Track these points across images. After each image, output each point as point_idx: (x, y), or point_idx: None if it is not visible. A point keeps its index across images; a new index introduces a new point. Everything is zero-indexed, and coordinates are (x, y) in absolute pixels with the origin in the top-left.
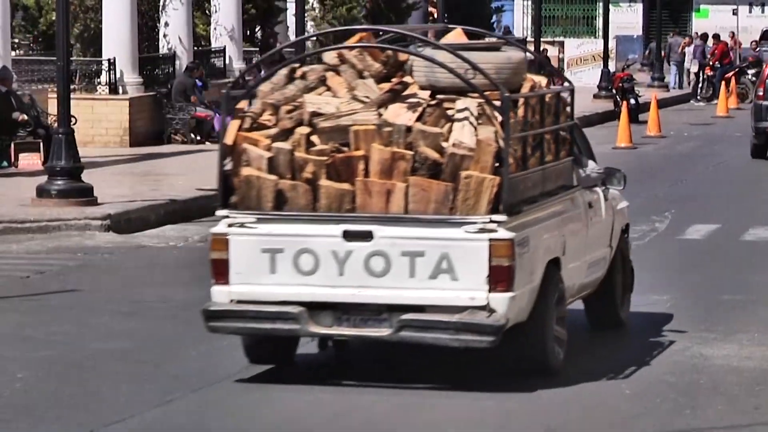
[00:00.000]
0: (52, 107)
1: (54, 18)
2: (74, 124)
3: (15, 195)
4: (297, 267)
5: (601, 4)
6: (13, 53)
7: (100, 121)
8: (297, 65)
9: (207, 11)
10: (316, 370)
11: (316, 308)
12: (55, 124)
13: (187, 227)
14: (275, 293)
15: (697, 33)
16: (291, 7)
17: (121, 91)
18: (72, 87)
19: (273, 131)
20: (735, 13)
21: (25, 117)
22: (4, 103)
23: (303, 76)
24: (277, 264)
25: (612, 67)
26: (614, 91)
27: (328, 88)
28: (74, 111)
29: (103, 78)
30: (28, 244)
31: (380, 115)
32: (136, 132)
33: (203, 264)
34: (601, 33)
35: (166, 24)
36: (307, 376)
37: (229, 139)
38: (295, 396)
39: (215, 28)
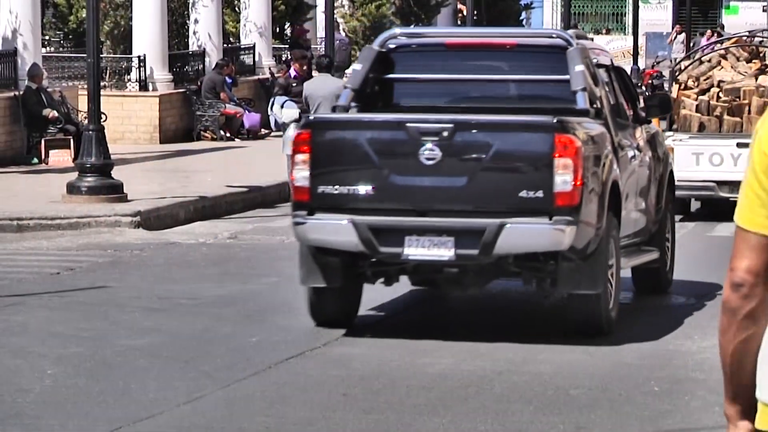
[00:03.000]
0: (83, 104)
1: (84, 15)
2: (104, 121)
3: (45, 192)
4: (711, 162)
5: (630, 0)
6: (43, 50)
7: (130, 117)
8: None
9: (236, 8)
10: (346, 365)
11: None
12: (86, 121)
13: (216, 224)
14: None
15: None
16: (320, 4)
17: (151, 88)
18: (102, 84)
19: (696, 90)
20: (765, 9)
21: (56, 114)
22: (34, 99)
23: (709, 61)
24: (698, 159)
25: (642, 64)
26: (644, 88)
27: (722, 68)
28: (104, 108)
29: (133, 75)
30: (58, 240)
31: (756, 80)
32: (165, 129)
33: (232, 260)
34: (630, 30)
35: (196, 21)
36: (336, 372)
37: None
38: (327, 391)
39: (245, 25)
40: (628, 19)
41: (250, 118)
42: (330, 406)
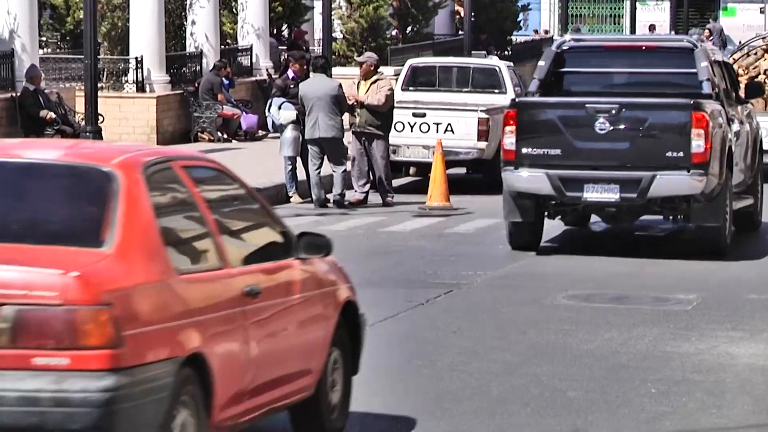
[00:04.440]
0: (80, 105)
1: (81, 16)
2: (101, 122)
3: None
4: None
5: (628, 2)
6: (40, 51)
7: (127, 119)
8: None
9: (234, 9)
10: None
11: None
12: (83, 123)
13: None
14: None
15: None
16: (318, 5)
17: (148, 89)
18: (99, 85)
19: (746, 77)
20: (762, 11)
21: (53, 115)
22: (31, 101)
23: (755, 53)
24: None
25: None
26: None
27: (766, 59)
28: (101, 109)
29: (131, 76)
30: None
31: None
32: (163, 130)
33: None
34: (628, 31)
35: (193, 22)
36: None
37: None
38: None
39: (242, 26)
40: (626, 21)
41: (248, 120)
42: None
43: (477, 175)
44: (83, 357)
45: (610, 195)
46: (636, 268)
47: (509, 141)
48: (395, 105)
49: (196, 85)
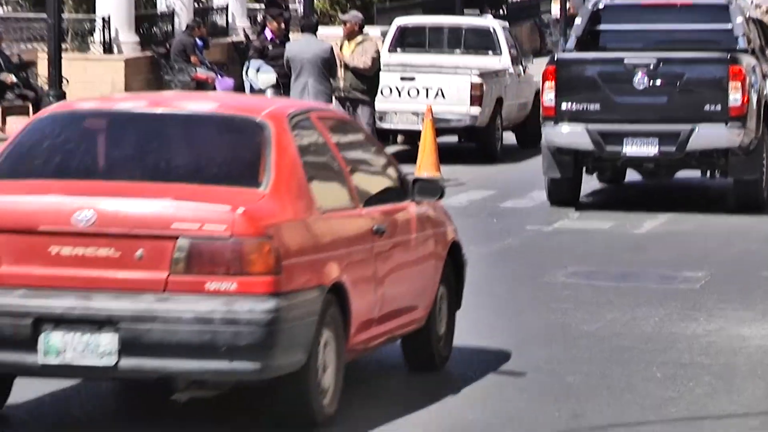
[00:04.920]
0: (43, 68)
1: None
2: (66, 86)
3: None
4: None
5: None
6: (0, 10)
7: (93, 83)
8: None
9: None
10: None
11: None
12: (46, 86)
13: None
14: None
15: None
16: None
17: (116, 50)
18: (63, 46)
19: None
20: None
21: (14, 78)
22: None
23: None
24: None
25: None
26: None
27: None
28: (66, 72)
29: (97, 37)
30: None
31: None
32: None
33: None
34: None
35: None
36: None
37: None
38: None
39: None
40: None
41: (223, 84)
42: None
43: (469, 144)
44: (249, 282)
45: (649, 149)
46: (645, 241)
47: (549, 97)
48: (382, 68)
49: (168, 46)
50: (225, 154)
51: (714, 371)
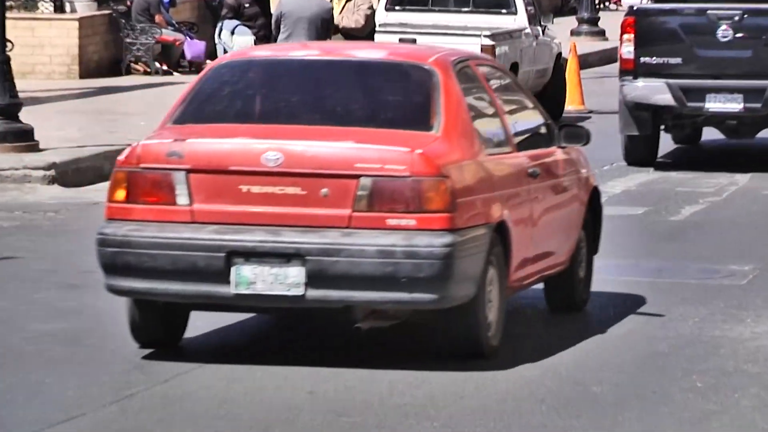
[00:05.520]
0: None
1: None
2: (10, 50)
3: None
4: None
5: None
6: None
7: (42, 46)
8: None
9: None
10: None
11: None
12: None
13: None
14: None
15: None
16: None
17: (68, 9)
18: (7, 4)
19: None
20: None
21: None
22: None
23: None
24: None
25: None
26: None
27: None
28: (10, 34)
29: None
30: None
31: None
32: (87, 60)
33: None
34: None
35: None
36: (281, 354)
37: None
38: (274, 376)
39: None
40: None
41: (193, 47)
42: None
43: None
44: (427, 219)
45: (733, 105)
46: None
47: (627, 50)
48: (376, 28)
49: (129, 3)
50: (397, 99)
51: (763, 381)
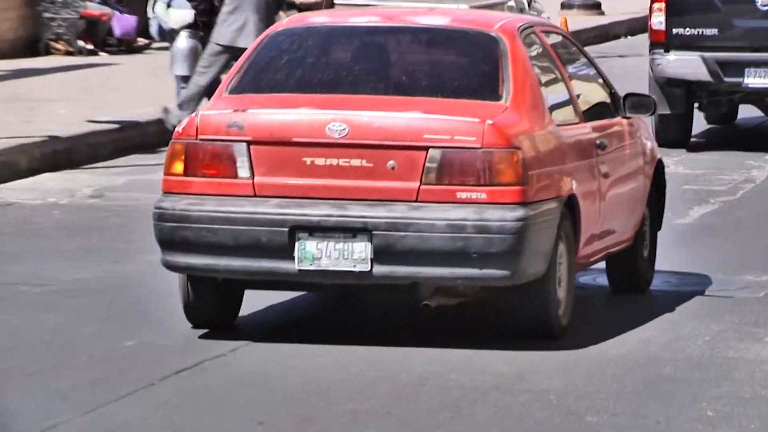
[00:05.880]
0: None
1: None
2: None
3: None
4: None
5: None
6: None
7: None
8: None
9: None
10: (261, 378)
11: None
12: None
13: (74, 176)
14: None
15: None
16: None
17: None
18: None
19: None
20: None
21: None
22: None
23: None
24: None
25: None
26: None
27: None
28: None
29: None
30: None
31: None
32: None
33: (97, 229)
34: None
35: None
36: (248, 390)
37: None
38: (238, 416)
39: None
40: None
41: (123, 23)
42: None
43: None
44: (498, 192)
45: None
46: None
47: (658, 20)
48: (336, 2)
49: None
50: (464, 68)
51: None
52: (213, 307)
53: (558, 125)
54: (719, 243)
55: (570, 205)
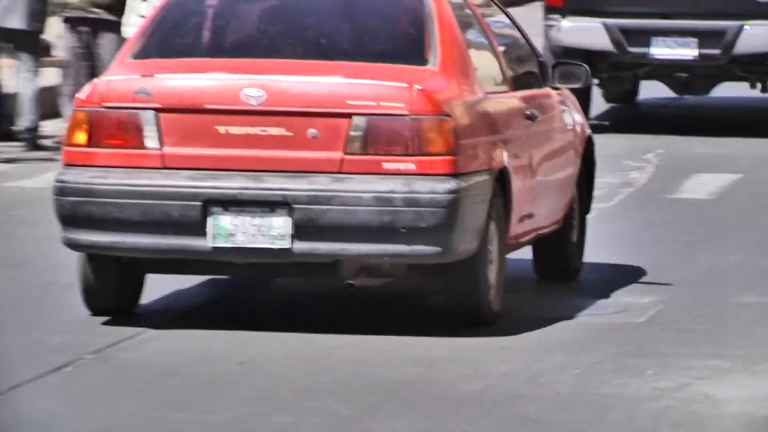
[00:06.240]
0: None
1: None
2: None
3: None
4: None
5: None
6: None
7: None
8: None
9: None
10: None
11: None
12: None
13: None
14: None
15: None
16: None
17: None
18: None
19: None
20: None
21: None
22: None
23: None
24: None
25: None
26: None
27: None
28: None
29: None
30: None
31: None
32: None
33: None
34: None
35: None
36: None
37: None
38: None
39: None
40: None
41: None
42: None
43: None
44: (428, 162)
45: (685, 51)
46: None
47: None
48: None
49: None
50: (387, 31)
51: None
52: (114, 293)
53: (489, 93)
54: (591, 259)
55: (501, 180)
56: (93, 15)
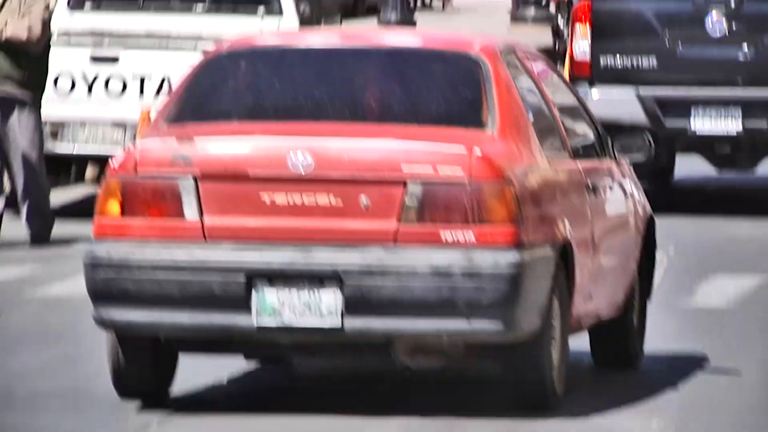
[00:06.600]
0: None
1: None
2: None
3: None
4: None
5: None
6: None
7: None
8: None
9: None
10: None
11: None
12: None
13: None
14: None
15: None
16: None
17: None
18: None
19: None
20: None
21: None
22: None
23: None
24: None
25: None
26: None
27: None
28: None
29: None
30: None
31: None
32: None
33: None
34: None
35: None
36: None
37: None
38: None
39: None
40: None
41: None
42: None
43: None
44: (489, 232)
45: (728, 123)
46: None
47: (581, 47)
48: (55, 40)
49: None
50: (441, 92)
51: None
52: (148, 375)
53: (550, 160)
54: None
55: (563, 254)
56: (5, 91)
